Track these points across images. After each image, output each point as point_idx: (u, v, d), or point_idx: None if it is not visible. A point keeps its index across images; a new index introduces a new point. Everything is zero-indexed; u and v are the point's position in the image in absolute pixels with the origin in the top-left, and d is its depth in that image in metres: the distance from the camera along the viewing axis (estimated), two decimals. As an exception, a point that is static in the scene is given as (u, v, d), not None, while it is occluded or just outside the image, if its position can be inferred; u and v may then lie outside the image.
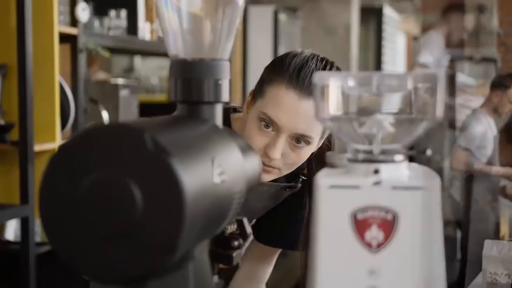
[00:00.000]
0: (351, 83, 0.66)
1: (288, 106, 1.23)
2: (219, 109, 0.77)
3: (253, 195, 0.81)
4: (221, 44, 0.78)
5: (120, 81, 3.20)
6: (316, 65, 1.26)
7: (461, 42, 4.15)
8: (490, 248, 1.82)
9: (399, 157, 0.66)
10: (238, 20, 0.78)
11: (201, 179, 0.62)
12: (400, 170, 0.66)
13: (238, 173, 0.72)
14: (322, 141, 1.33)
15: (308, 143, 1.26)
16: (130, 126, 0.59)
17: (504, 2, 8.80)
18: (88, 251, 0.60)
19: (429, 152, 3.60)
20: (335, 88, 0.66)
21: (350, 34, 6.35)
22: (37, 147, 2.47)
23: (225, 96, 0.77)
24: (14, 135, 2.49)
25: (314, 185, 0.66)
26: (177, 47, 0.78)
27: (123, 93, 3.06)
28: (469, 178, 4.07)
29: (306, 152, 1.28)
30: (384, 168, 0.65)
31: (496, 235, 4.06)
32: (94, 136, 0.59)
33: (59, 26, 2.62)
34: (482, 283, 1.86)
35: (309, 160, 1.34)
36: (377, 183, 0.64)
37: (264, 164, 1.25)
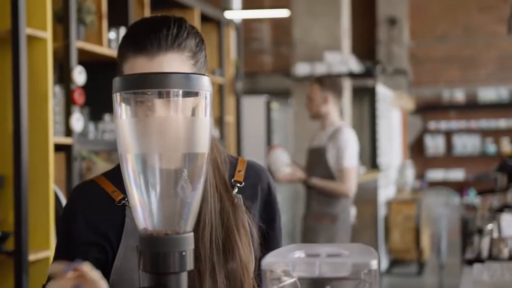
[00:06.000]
0: (296, 267, 0.73)
1: (142, 69, 1.18)
2: (184, 278, 0.85)
3: None
4: (184, 217, 0.86)
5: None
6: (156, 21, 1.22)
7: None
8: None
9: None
10: (199, 199, 0.86)
11: None
12: None
13: None
14: None
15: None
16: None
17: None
18: None
19: None
20: (279, 272, 0.74)
21: (343, 117, 6.45)
22: (32, 256, 2.53)
23: (189, 265, 0.86)
24: (9, 244, 2.55)
25: None
26: (146, 221, 0.86)
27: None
28: None
29: None
30: None
31: None
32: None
33: (54, 136, 2.72)
34: None
35: None
36: None
37: None
